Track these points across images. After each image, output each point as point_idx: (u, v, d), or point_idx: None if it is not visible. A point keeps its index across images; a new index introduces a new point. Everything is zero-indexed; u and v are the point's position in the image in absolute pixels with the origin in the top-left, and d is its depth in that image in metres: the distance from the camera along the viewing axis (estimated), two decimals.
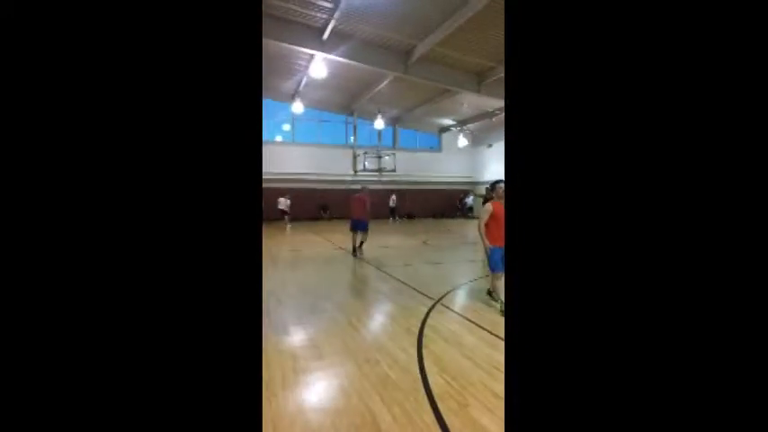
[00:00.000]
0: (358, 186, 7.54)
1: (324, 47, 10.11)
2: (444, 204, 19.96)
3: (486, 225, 3.83)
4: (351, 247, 7.70)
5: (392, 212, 17.17)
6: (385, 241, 9.23)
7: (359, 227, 7.48)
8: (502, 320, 3.52)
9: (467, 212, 19.30)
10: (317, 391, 2.35)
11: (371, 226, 7.74)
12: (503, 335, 3.19)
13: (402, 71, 11.35)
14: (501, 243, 3.74)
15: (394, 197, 17.33)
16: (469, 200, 19.66)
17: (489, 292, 4.27)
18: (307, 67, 12.12)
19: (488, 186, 3.74)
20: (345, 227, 8.56)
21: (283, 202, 14.36)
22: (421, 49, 10.41)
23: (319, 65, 10.73)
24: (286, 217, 14.26)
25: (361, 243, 7.54)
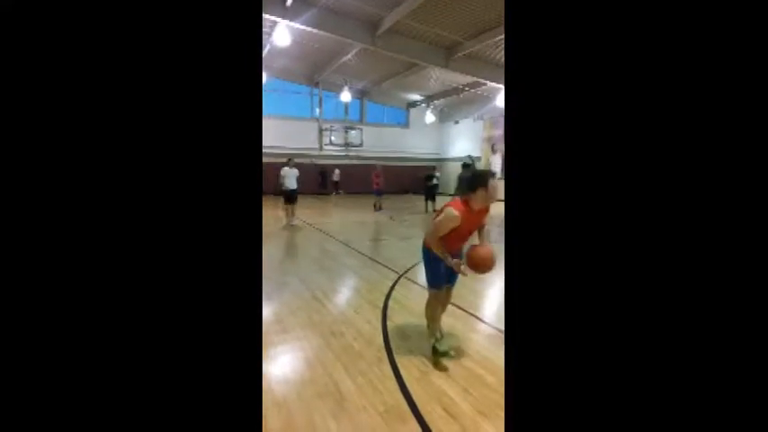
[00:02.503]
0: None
1: (287, 13, 9.62)
2: (412, 181, 20.06)
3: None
4: (318, 223, 8.40)
5: (335, 186, 17.46)
6: (350, 216, 9.23)
7: (379, 194, 11.45)
8: (461, 292, 3.63)
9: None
10: (281, 363, 2.36)
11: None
12: (462, 305, 3.32)
13: (369, 43, 11.04)
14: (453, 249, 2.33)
15: (337, 171, 17.81)
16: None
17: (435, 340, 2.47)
18: (269, 35, 11.53)
19: (468, 175, 2.41)
20: (314, 202, 11.66)
21: (291, 174, 8.10)
22: (389, 21, 10.13)
23: (283, 32, 10.23)
24: (291, 206, 8.15)
25: (379, 204, 11.29)
